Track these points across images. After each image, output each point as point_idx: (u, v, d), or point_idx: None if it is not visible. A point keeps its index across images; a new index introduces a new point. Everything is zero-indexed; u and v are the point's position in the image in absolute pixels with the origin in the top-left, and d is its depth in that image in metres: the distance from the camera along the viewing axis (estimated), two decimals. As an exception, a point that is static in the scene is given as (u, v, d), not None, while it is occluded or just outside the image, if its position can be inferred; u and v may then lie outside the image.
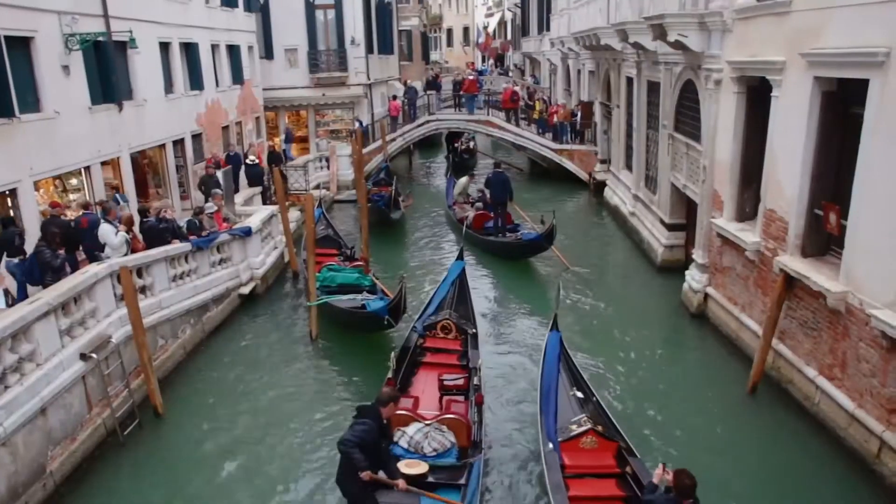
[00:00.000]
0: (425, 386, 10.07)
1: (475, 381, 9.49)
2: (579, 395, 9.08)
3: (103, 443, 9.48)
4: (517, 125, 28.65)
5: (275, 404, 10.73)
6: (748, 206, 12.02)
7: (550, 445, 8.04)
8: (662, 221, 16.30)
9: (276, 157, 22.59)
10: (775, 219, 10.51)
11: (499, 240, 17.97)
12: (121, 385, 10.11)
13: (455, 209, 21.15)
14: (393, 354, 9.90)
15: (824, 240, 9.77)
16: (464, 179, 22.20)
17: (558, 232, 16.74)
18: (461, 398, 9.43)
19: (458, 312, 11.90)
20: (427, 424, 8.35)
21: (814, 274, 9.27)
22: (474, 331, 11.48)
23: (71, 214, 12.87)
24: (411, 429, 8.28)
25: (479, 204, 19.86)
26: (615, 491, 7.60)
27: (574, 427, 8.29)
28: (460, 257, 13.28)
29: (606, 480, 7.79)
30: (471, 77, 32.77)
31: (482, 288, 15.58)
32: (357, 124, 27.47)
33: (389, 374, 9.56)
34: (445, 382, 9.66)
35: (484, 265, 17.33)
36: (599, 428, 8.27)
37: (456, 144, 31.33)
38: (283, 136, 27.58)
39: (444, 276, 13.01)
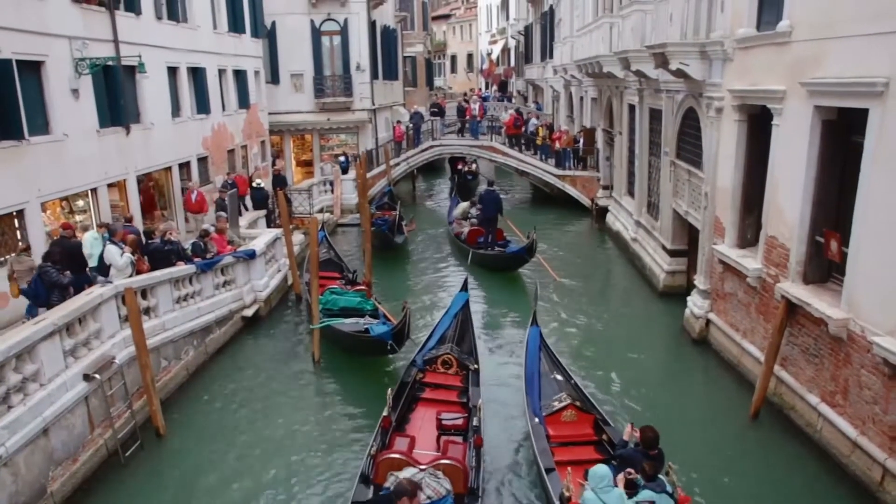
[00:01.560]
0: (423, 423, 9.73)
1: (475, 421, 9.12)
2: (559, 377, 10.22)
3: (104, 463, 9.49)
4: (520, 151, 28.84)
5: (276, 427, 10.72)
6: (750, 232, 12.09)
7: (536, 419, 9.27)
8: (664, 247, 16.37)
9: (280, 181, 22.74)
10: (777, 245, 10.57)
11: (486, 252, 19.25)
12: (123, 406, 10.12)
13: (453, 225, 22.20)
14: (389, 391, 9.50)
15: (825, 267, 9.83)
16: (465, 204, 22.83)
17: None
18: (459, 439, 9.08)
19: (461, 347, 11.46)
20: (422, 470, 7.82)
21: (815, 301, 9.30)
22: (476, 367, 11.03)
23: (79, 235, 12.96)
24: (405, 474, 7.75)
25: (474, 220, 20.96)
26: (594, 455, 8.61)
27: (556, 403, 9.51)
28: (464, 288, 12.74)
29: (586, 447, 8.97)
30: (477, 104, 33.16)
31: (473, 297, 15.65)
32: (342, 158, 27.71)
33: (385, 412, 9.16)
34: (444, 422, 9.30)
35: (475, 276, 18.00)
36: (578, 403, 9.52)
37: (460, 167, 31.72)
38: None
39: (446, 308, 12.55)
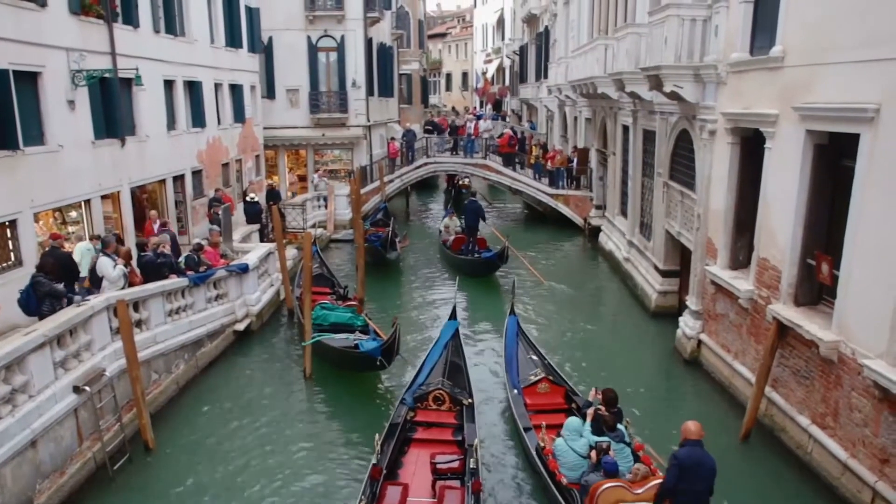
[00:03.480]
0: (416, 467, 9.22)
1: (471, 463, 8.66)
2: (534, 357, 11.77)
3: (92, 477, 9.40)
4: (514, 170, 28.95)
5: (266, 442, 10.66)
6: (742, 254, 12.15)
7: (515, 391, 10.83)
8: (656, 268, 16.43)
9: (274, 195, 22.78)
10: (768, 267, 10.63)
11: (465, 258, 20.77)
12: (112, 419, 10.05)
13: (442, 232, 23.68)
14: (377, 437, 9.02)
15: (817, 289, 9.89)
16: (447, 220, 23.90)
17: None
18: (457, 483, 8.62)
19: (453, 380, 11.03)
20: None
21: (806, 323, 9.36)
22: (470, 401, 10.54)
23: (69, 246, 12.94)
24: None
25: (458, 229, 22.67)
26: (564, 420, 9.40)
27: (532, 377, 11.05)
28: (453, 316, 12.39)
29: (558, 414, 10.27)
30: (472, 122, 33.50)
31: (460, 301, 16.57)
32: (315, 178, 27.90)
33: (374, 460, 8.63)
34: (438, 466, 8.77)
35: (459, 282, 18.69)
36: (551, 377, 11.10)
37: (456, 181, 32.17)
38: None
39: (436, 339, 12.16)
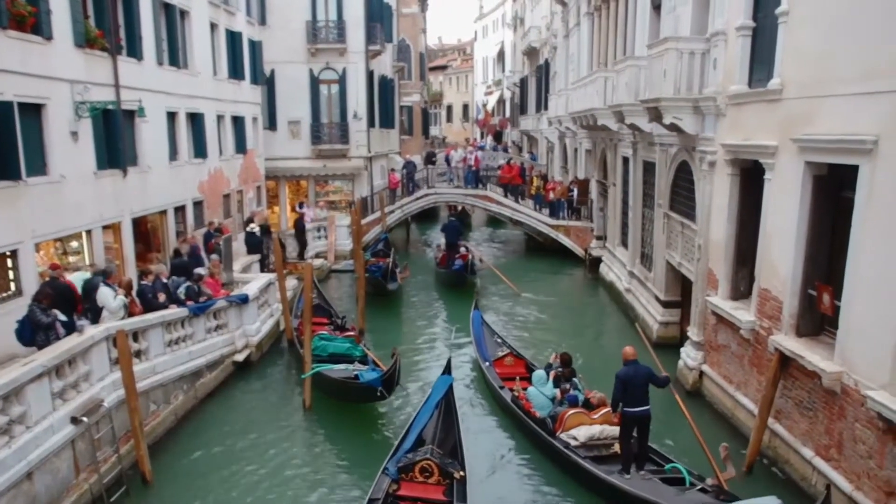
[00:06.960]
0: None
1: None
2: (499, 340, 15.08)
3: (89, 510, 9.29)
4: (516, 201, 29.02)
5: (264, 476, 10.55)
6: (743, 285, 12.14)
7: (487, 363, 13.72)
8: (657, 298, 16.39)
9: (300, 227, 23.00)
10: (769, 298, 10.61)
11: (444, 271, 23.00)
12: (110, 450, 9.96)
13: (436, 252, 25.85)
14: None
15: (818, 319, 9.86)
16: (441, 239, 25.39)
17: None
18: None
19: (443, 448, 9.80)
20: None
21: (808, 353, 9.31)
22: (462, 474, 9.16)
23: (68, 276, 12.91)
24: None
25: (442, 246, 24.61)
26: (528, 385, 11.99)
27: (500, 352, 14.16)
28: (447, 371, 11.32)
29: (523, 381, 12.37)
30: (473, 154, 33.88)
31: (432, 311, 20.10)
32: (299, 206, 27.99)
33: None
34: None
35: (436, 290, 22.89)
36: (514, 353, 14.22)
37: (457, 208, 32.55)
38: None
39: (426, 397, 10.93)
